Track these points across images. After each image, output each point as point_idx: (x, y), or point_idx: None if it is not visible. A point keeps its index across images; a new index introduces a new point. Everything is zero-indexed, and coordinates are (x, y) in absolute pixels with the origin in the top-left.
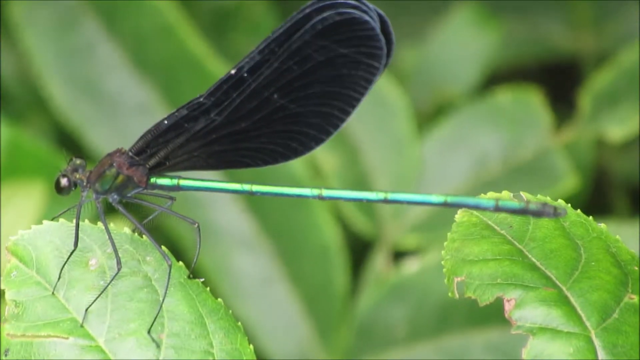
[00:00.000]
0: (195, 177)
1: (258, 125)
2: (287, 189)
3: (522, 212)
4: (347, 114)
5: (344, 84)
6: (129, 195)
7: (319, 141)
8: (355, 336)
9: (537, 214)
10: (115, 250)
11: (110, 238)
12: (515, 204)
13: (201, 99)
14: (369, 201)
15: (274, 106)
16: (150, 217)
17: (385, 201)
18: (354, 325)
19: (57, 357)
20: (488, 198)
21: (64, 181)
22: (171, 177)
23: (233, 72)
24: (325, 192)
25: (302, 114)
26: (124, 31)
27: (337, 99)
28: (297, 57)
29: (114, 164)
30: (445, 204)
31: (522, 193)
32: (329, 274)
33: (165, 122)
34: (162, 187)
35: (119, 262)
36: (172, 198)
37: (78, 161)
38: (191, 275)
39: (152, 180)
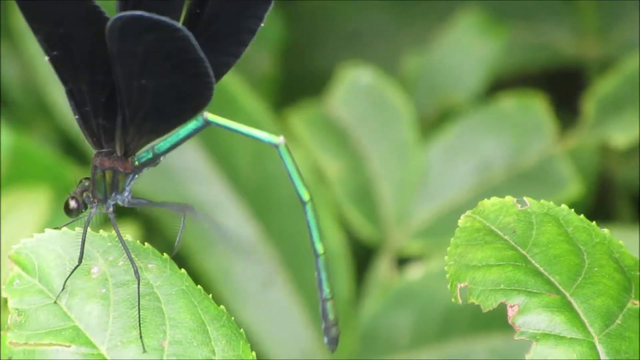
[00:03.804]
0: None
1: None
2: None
3: None
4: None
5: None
6: (127, 187)
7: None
8: (359, 342)
9: None
10: (132, 260)
11: (126, 248)
12: None
13: None
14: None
15: None
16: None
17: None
18: (358, 332)
19: None
20: None
21: (72, 203)
22: (147, 150)
23: None
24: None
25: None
26: None
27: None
28: None
29: (97, 166)
30: None
31: (525, 198)
32: (333, 280)
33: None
34: (146, 163)
35: (136, 272)
36: (189, 207)
37: (87, 183)
38: (173, 254)
39: (135, 162)
